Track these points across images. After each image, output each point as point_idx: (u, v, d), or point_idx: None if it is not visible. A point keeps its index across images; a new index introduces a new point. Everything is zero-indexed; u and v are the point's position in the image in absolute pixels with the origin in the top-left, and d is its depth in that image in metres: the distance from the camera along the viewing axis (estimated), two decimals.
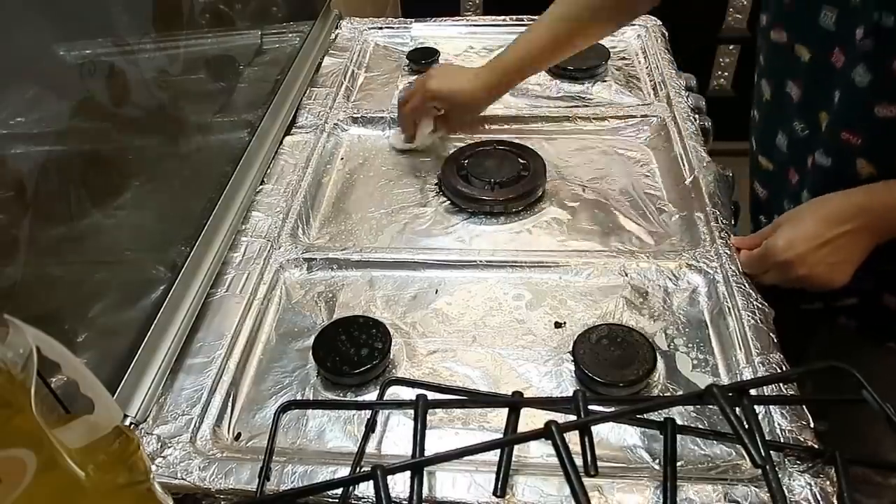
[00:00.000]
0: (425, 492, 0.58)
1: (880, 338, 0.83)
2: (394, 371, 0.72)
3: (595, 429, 0.57)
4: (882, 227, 0.69)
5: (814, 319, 0.85)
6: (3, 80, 0.52)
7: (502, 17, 1.28)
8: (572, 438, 0.63)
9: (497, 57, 0.94)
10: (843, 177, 0.72)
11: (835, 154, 0.73)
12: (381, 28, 1.31)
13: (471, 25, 1.30)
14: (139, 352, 0.68)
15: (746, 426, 0.53)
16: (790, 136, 0.80)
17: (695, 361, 0.71)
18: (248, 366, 0.74)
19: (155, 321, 0.70)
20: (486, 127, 1.05)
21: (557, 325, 0.76)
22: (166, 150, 0.77)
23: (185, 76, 0.79)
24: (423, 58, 1.18)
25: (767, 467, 0.52)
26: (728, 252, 0.80)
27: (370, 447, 0.64)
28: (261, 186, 0.94)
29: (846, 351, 0.80)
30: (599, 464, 0.54)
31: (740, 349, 0.70)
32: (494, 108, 1.07)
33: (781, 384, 0.65)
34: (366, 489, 0.59)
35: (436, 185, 0.96)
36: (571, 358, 0.70)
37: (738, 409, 0.54)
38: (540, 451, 0.64)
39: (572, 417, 0.58)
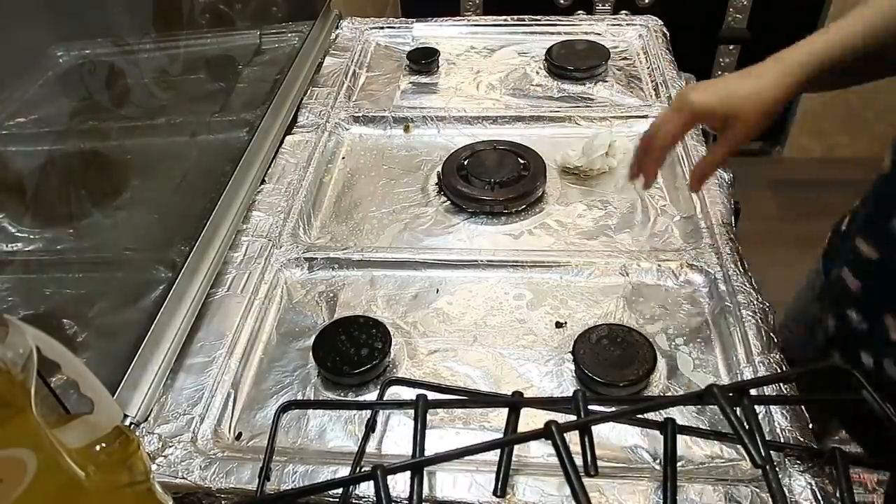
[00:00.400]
0: (425, 492, 0.58)
1: None
2: (394, 371, 0.72)
3: (595, 429, 0.57)
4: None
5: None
6: (3, 80, 0.52)
7: (503, 17, 1.28)
8: (572, 438, 0.63)
9: (781, 55, 0.71)
10: None
11: None
12: (381, 28, 1.31)
13: (471, 25, 1.30)
14: (139, 352, 0.68)
15: (747, 426, 0.53)
16: None
17: (696, 361, 0.71)
18: (248, 365, 0.74)
19: (155, 321, 0.70)
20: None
21: (558, 324, 0.76)
22: (166, 150, 0.77)
23: (185, 76, 0.79)
24: (423, 58, 1.18)
25: (767, 467, 0.52)
26: (728, 252, 0.80)
27: (370, 447, 0.64)
28: (261, 186, 0.94)
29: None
30: (599, 464, 0.54)
31: (741, 349, 0.70)
32: (495, 109, 1.07)
33: (781, 384, 0.65)
34: (366, 489, 0.59)
35: (436, 184, 0.96)
36: (572, 358, 0.70)
37: (738, 410, 0.54)
38: (540, 451, 0.64)
39: (573, 417, 0.58)
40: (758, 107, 0.70)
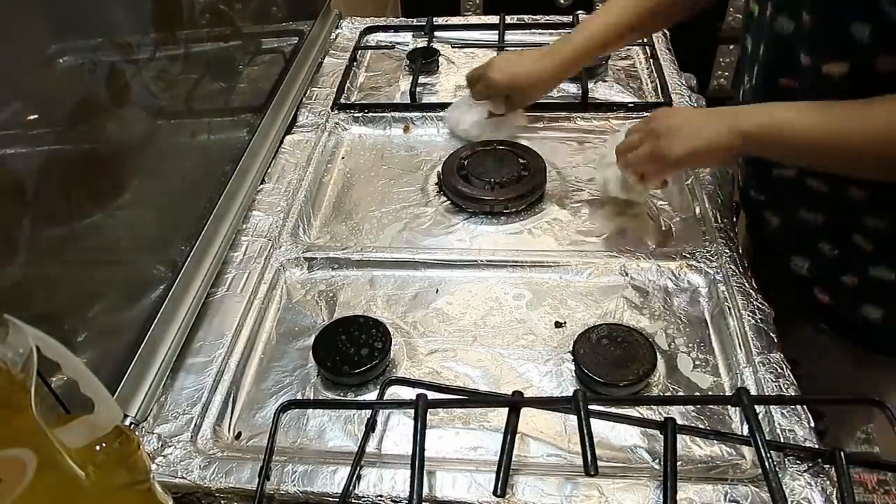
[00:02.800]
0: (425, 491, 0.58)
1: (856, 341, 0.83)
2: (394, 371, 0.72)
3: (595, 429, 0.58)
4: (743, 117, 0.71)
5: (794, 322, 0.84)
6: (4, 79, 0.52)
7: (503, 17, 1.28)
8: (572, 438, 0.63)
9: (563, 38, 0.96)
10: None
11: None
12: (381, 28, 1.31)
13: (471, 25, 1.30)
14: (139, 351, 0.68)
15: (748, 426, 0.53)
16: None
17: (695, 361, 0.71)
18: (248, 365, 0.74)
19: (155, 321, 0.70)
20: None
21: (558, 324, 0.76)
22: (166, 149, 0.77)
23: (185, 76, 0.79)
24: (423, 57, 1.18)
25: (767, 466, 0.52)
26: (728, 252, 0.80)
27: (370, 447, 0.64)
28: (261, 186, 0.94)
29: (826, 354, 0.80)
30: (599, 464, 0.54)
31: (741, 349, 0.70)
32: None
33: (786, 388, 0.65)
34: (366, 489, 0.59)
35: (436, 184, 0.96)
36: (572, 358, 0.70)
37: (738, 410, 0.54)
38: (540, 451, 0.64)
39: (572, 417, 0.58)
40: (532, 84, 0.97)
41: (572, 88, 1.11)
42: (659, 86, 1.09)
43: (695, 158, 0.76)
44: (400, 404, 0.66)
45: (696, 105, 1.03)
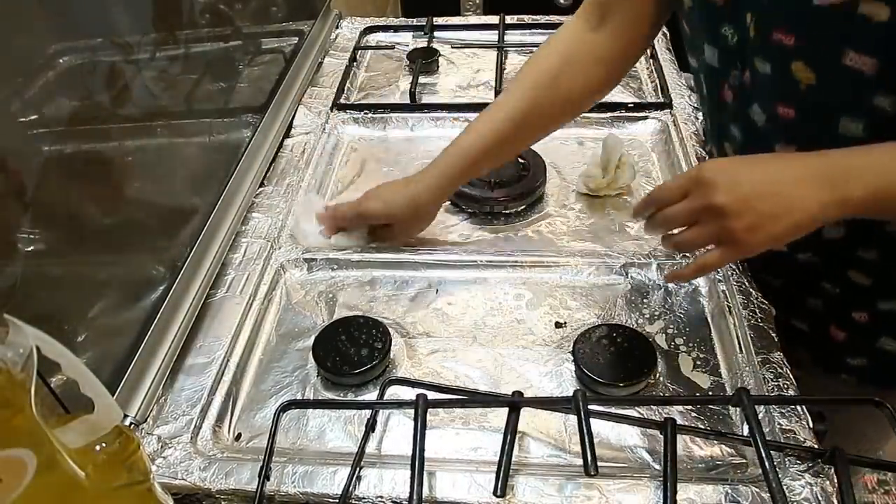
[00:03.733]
0: (425, 492, 0.58)
1: (830, 370, 0.82)
2: (394, 371, 0.72)
3: (595, 429, 0.58)
4: (854, 182, 0.54)
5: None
6: (4, 79, 0.52)
7: (503, 17, 1.28)
8: (572, 438, 0.63)
9: (434, 163, 0.83)
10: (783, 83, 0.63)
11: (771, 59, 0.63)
12: (381, 27, 1.32)
13: (471, 25, 1.30)
14: (139, 352, 0.68)
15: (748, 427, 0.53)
16: (720, 45, 0.69)
17: (695, 361, 0.71)
18: (248, 366, 0.74)
19: (155, 321, 0.70)
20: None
21: (558, 324, 0.76)
22: (166, 150, 0.77)
23: (185, 76, 0.79)
24: (423, 57, 1.18)
25: (767, 466, 0.52)
26: None
27: (370, 447, 0.64)
28: (261, 188, 0.94)
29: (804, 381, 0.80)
30: (599, 464, 0.54)
31: (741, 349, 0.70)
32: None
33: (786, 388, 0.65)
34: (366, 489, 0.59)
35: None
36: (572, 358, 0.70)
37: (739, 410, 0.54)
38: (540, 452, 0.64)
39: (572, 417, 0.58)
40: (411, 218, 0.84)
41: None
42: (659, 86, 1.09)
43: (782, 243, 0.59)
44: (400, 404, 0.66)
45: (693, 105, 1.03)
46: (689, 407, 0.66)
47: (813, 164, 0.56)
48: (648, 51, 1.17)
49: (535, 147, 0.97)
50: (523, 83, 0.80)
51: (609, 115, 1.05)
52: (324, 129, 1.05)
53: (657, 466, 0.62)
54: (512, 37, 1.26)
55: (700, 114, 1.02)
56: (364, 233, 0.87)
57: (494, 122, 0.80)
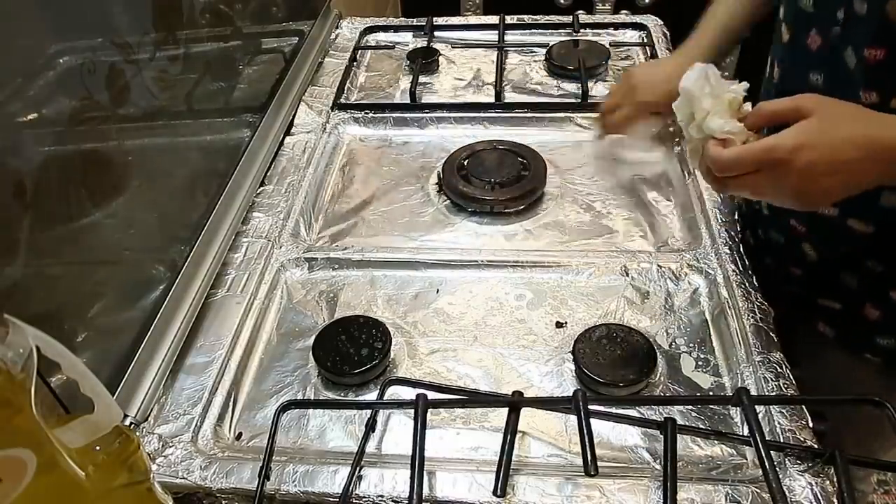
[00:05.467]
0: (425, 491, 0.58)
1: (855, 347, 0.82)
2: (394, 371, 0.72)
3: (595, 429, 0.58)
4: (889, 169, 0.59)
5: (793, 322, 0.82)
6: (3, 79, 0.52)
7: (503, 17, 1.28)
8: (573, 438, 0.63)
9: (692, 37, 0.90)
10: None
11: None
12: (381, 28, 1.31)
13: (471, 25, 1.30)
14: (139, 352, 0.68)
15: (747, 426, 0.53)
16: None
17: (696, 361, 0.71)
18: (248, 365, 0.74)
19: (155, 321, 0.70)
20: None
21: (558, 324, 0.76)
22: (166, 150, 0.77)
23: (185, 76, 0.79)
24: (423, 57, 1.18)
25: (767, 466, 0.52)
26: (728, 252, 0.80)
27: (370, 447, 0.64)
28: (261, 188, 0.94)
29: (823, 357, 0.80)
30: (599, 464, 0.54)
31: (741, 349, 0.70)
32: (495, 109, 1.07)
33: (786, 388, 0.65)
34: (367, 489, 0.59)
35: (436, 184, 0.96)
36: (572, 358, 0.70)
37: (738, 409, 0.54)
38: (540, 452, 0.64)
39: (573, 417, 0.58)
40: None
41: (572, 88, 1.11)
42: None
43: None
44: (400, 404, 0.66)
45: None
46: (690, 407, 0.66)
47: (879, 142, 0.58)
48: (648, 50, 1.18)
49: (535, 147, 0.98)
50: None
51: None
52: (324, 128, 1.05)
53: (657, 466, 0.62)
54: (512, 37, 1.26)
55: None
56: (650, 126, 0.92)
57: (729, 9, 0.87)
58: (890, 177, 0.60)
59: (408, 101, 1.10)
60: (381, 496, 0.59)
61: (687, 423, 0.64)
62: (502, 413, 0.62)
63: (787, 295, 0.82)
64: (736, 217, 0.85)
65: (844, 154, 0.58)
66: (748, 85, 0.64)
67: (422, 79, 1.14)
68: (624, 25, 1.26)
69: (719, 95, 0.63)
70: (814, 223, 0.79)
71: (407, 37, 1.30)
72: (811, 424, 0.62)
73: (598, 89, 1.11)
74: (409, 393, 0.65)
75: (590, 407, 0.58)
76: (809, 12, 0.72)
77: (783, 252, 0.84)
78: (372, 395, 0.69)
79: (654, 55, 1.15)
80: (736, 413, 0.66)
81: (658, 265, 0.80)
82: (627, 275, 0.80)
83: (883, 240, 0.74)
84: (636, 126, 0.93)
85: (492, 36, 1.25)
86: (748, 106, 0.64)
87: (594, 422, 0.58)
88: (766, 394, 0.65)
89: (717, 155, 0.62)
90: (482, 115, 1.06)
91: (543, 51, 1.20)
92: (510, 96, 1.11)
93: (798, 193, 0.60)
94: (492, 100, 1.09)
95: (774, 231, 0.85)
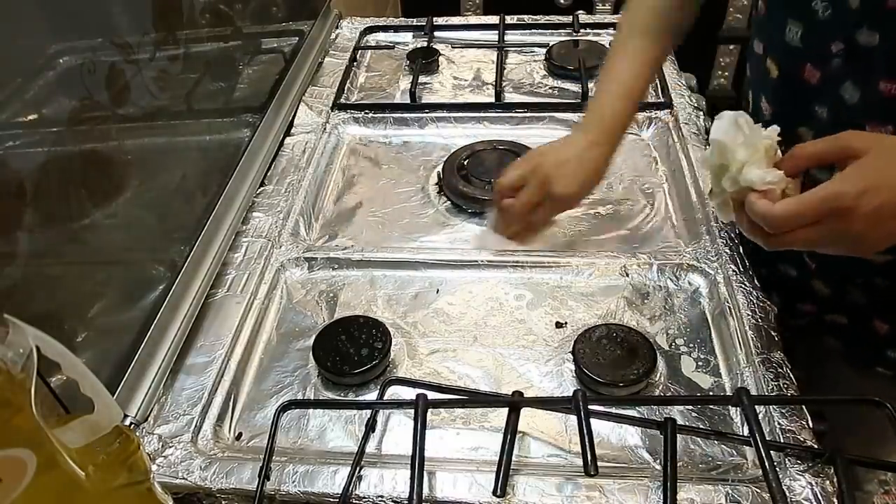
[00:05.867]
0: (425, 491, 0.58)
1: (865, 362, 0.81)
2: (394, 371, 0.72)
3: (595, 429, 0.57)
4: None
5: (799, 335, 0.80)
6: (3, 80, 0.52)
7: (503, 17, 1.28)
8: (573, 438, 0.63)
9: (590, 107, 0.76)
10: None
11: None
12: (381, 28, 1.31)
13: (471, 25, 1.30)
14: (139, 352, 0.68)
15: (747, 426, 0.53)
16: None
17: (696, 361, 0.71)
18: (248, 365, 0.74)
19: (155, 321, 0.70)
20: None
21: (558, 325, 0.76)
22: (166, 150, 0.77)
23: (185, 76, 0.79)
24: (423, 57, 1.18)
25: (767, 466, 0.52)
26: (729, 252, 0.80)
27: (370, 447, 0.64)
28: (261, 188, 0.94)
29: (829, 371, 0.79)
30: (599, 464, 0.54)
31: (741, 349, 0.70)
32: (495, 109, 1.07)
33: (786, 388, 0.65)
34: (367, 489, 0.59)
35: (437, 184, 0.96)
36: (572, 358, 0.70)
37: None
38: (540, 452, 0.64)
39: (573, 417, 0.58)
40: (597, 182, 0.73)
41: (572, 88, 1.11)
42: (659, 86, 1.09)
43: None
44: (400, 404, 0.66)
45: (693, 105, 1.03)
46: (690, 407, 0.66)
47: None
48: None
49: (535, 147, 0.97)
50: (641, 26, 0.77)
51: None
52: (324, 128, 1.05)
53: (657, 466, 0.62)
54: (512, 37, 1.26)
55: (700, 114, 1.02)
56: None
57: (631, 69, 0.74)
58: None
59: (408, 101, 1.10)
60: (381, 496, 0.59)
61: (687, 423, 0.64)
62: (502, 413, 0.62)
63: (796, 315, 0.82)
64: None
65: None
66: (779, 128, 0.59)
67: (422, 79, 1.14)
68: None
69: (754, 144, 0.58)
70: (827, 259, 0.73)
71: (407, 37, 1.30)
72: (811, 424, 0.62)
73: None
74: (409, 393, 0.65)
75: (590, 407, 0.58)
76: (797, 47, 0.69)
77: (794, 286, 0.81)
78: (372, 395, 0.69)
79: None
80: (736, 413, 0.66)
81: (658, 265, 0.80)
82: (627, 275, 0.80)
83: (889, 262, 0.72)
84: (541, 230, 0.77)
85: (492, 36, 1.25)
86: (765, 137, 0.59)
87: (594, 422, 0.58)
88: (766, 394, 0.65)
89: (768, 211, 0.55)
90: (482, 115, 1.06)
91: (543, 51, 1.20)
92: (510, 96, 1.11)
93: (862, 240, 0.54)
94: (492, 100, 1.09)
95: (786, 266, 0.81)
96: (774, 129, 0.59)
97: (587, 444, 0.54)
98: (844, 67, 0.65)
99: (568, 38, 1.23)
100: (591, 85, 1.10)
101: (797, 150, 0.57)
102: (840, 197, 0.52)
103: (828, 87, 0.67)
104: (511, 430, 0.60)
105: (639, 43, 0.76)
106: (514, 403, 0.61)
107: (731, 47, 2.04)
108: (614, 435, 0.65)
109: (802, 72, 0.69)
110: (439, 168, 0.97)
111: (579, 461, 0.54)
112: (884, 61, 0.62)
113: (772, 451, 0.56)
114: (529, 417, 0.65)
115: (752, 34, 0.78)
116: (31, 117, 0.55)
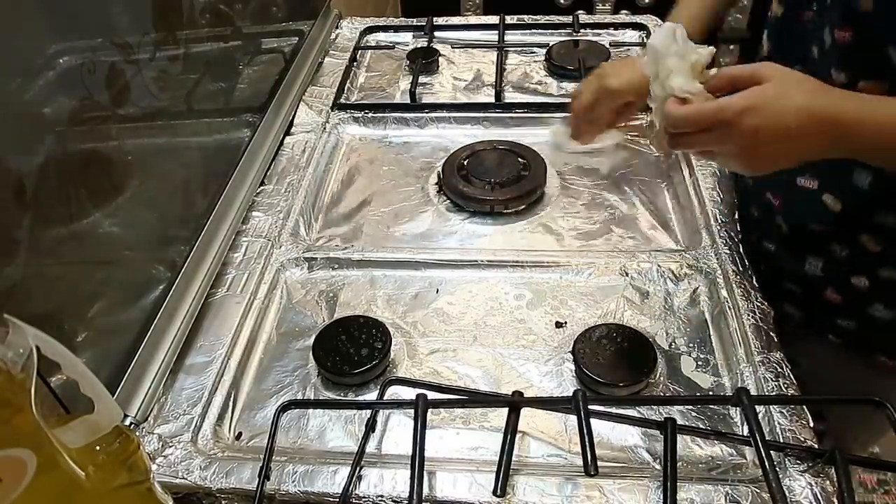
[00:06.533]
0: (425, 491, 0.58)
1: (819, 329, 0.85)
2: (394, 371, 0.72)
3: (595, 428, 0.58)
4: (839, 144, 0.61)
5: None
6: (4, 80, 0.52)
7: (503, 17, 1.28)
8: (573, 438, 0.63)
9: (671, 17, 0.89)
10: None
11: None
12: (381, 28, 1.31)
13: (471, 25, 1.30)
14: (139, 352, 0.68)
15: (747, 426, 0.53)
16: None
17: (696, 361, 0.71)
18: (248, 365, 0.74)
19: (155, 321, 0.70)
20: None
21: (558, 324, 0.76)
22: (166, 150, 0.77)
23: (185, 76, 0.79)
24: (423, 57, 1.18)
25: (767, 466, 0.52)
26: (728, 252, 0.80)
27: (370, 447, 0.64)
28: (261, 187, 0.94)
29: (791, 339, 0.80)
30: (599, 464, 0.54)
31: (741, 349, 0.70)
32: (495, 109, 1.07)
33: (786, 388, 0.65)
34: (366, 489, 0.59)
35: (436, 184, 0.96)
36: (572, 358, 0.70)
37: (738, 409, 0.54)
38: (540, 452, 0.64)
39: (572, 417, 0.58)
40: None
41: (572, 88, 1.11)
42: None
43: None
44: (400, 404, 0.66)
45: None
46: (689, 407, 0.66)
47: (823, 115, 0.60)
48: None
49: (534, 147, 0.98)
50: None
51: None
52: (324, 128, 1.05)
53: (657, 466, 0.62)
54: (512, 37, 1.26)
55: None
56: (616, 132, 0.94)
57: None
58: (837, 151, 0.62)
59: (408, 101, 1.10)
60: (381, 496, 0.59)
61: (687, 423, 0.65)
62: (502, 413, 0.62)
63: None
64: (736, 217, 0.85)
65: (794, 122, 0.60)
66: (714, 50, 0.65)
67: (422, 79, 1.14)
68: (624, 25, 1.26)
69: (684, 56, 0.65)
70: (790, 194, 0.80)
71: (407, 37, 1.30)
72: (811, 424, 0.62)
73: None
74: (409, 393, 0.65)
75: (590, 407, 0.58)
76: None
77: (760, 226, 0.85)
78: (372, 395, 0.69)
79: None
80: (736, 413, 0.66)
81: (658, 265, 0.80)
82: (627, 275, 0.80)
83: (849, 222, 0.75)
84: (603, 126, 0.94)
85: (492, 36, 1.25)
86: (713, 72, 0.65)
87: (594, 422, 0.58)
88: (766, 394, 0.65)
89: (670, 111, 0.64)
90: (482, 115, 1.06)
91: (543, 51, 1.20)
92: (510, 96, 1.11)
93: (742, 156, 0.63)
94: (492, 100, 1.09)
95: (753, 206, 0.87)
96: (708, 49, 0.65)
97: (587, 444, 0.54)
98: (818, 15, 0.70)
99: (568, 38, 1.23)
100: None
101: (721, 71, 0.64)
102: (724, 109, 0.60)
103: (815, 29, 0.71)
104: (511, 430, 0.60)
105: None
106: (514, 403, 0.61)
107: (732, 47, 2.04)
108: (614, 435, 0.65)
109: (802, 12, 0.73)
110: (439, 168, 0.97)
111: (579, 461, 0.54)
112: (838, 10, 0.67)
113: (772, 451, 0.56)
114: (529, 417, 0.65)
115: None
116: (31, 117, 0.55)
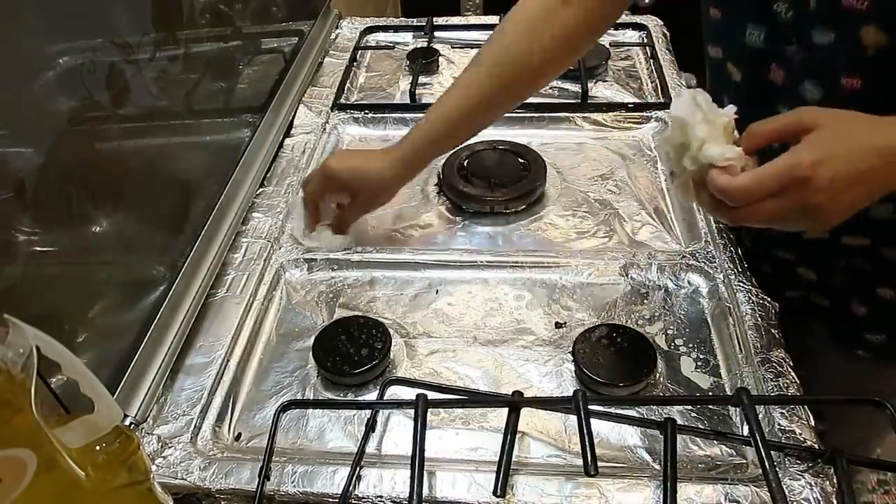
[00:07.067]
0: (425, 492, 0.58)
1: (847, 345, 0.83)
2: (394, 371, 0.72)
3: (595, 428, 0.58)
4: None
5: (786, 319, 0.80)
6: (3, 80, 0.52)
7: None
8: (572, 438, 0.63)
9: (411, 129, 0.82)
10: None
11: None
12: (381, 28, 1.32)
13: (471, 25, 1.30)
14: (139, 352, 0.68)
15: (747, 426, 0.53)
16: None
17: (696, 361, 0.71)
18: (248, 366, 0.74)
19: (155, 321, 0.70)
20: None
21: (558, 325, 0.76)
22: (166, 150, 0.77)
23: (185, 76, 0.79)
24: (423, 57, 1.18)
25: (767, 466, 0.52)
26: (728, 252, 0.80)
27: (370, 447, 0.64)
28: (261, 188, 0.94)
29: (815, 355, 0.80)
30: (599, 464, 0.54)
31: (741, 349, 0.70)
32: None
33: (786, 388, 0.65)
34: (366, 489, 0.59)
35: (436, 185, 0.96)
36: (572, 358, 0.70)
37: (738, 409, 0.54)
38: (540, 452, 0.64)
39: (572, 417, 0.58)
40: (374, 181, 0.82)
41: (572, 88, 1.11)
42: (659, 86, 1.09)
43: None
44: (400, 404, 0.66)
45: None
46: (689, 407, 0.66)
47: (888, 161, 0.55)
48: (648, 50, 1.18)
49: (534, 147, 0.98)
50: (489, 59, 0.78)
51: (609, 115, 1.05)
52: (324, 128, 1.05)
53: (657, 466, 0.62)
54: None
55: None
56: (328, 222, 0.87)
57: (460, 99, 0.79)
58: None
59: (408, 101, 1.10)
60: (381, 496, 0.59)
61: (687, 423, 0.65)
62: (502, 413, 0.62)
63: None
64: None
65: (865, 163, 0.54)
66: (736, 108, 0.60)
67: (422, 79, 1.14)
68: (624, 25, 1.26)
69: (713, 121, 0.59)
70: (804, 250, 0.78)
71: (407, 37, 1.30)
72: (811, 424, 0.62)
73: (598, 89, 1.11)
74: (408, 393, 0.65)
75: (590, 407, 0.58)
76: (761, 49, 0.70)
77: (776, 281, 0.82)
78: (372, 396, 0.69)
79: (654, 55, 1.15)
80: (736, 413, 0.66)
81: (658, 265, 0.80)
82: (627, 275, 0.80)
83: (878, 248, 0.74)
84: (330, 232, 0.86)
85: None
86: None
87: (594, 422, 0.58)
88: (766, 394, 0.65)
89: (728, 184, 0.56)
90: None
91: None
92: None
93: (820, 212, 0.55)
94: None
95: (764, 264, 0.83)
96: (731, 108, 0.60)
97: (587, 444, 0.54)
98: (805, 66, 0.66)
99: None
100: (591, 85, 1.10)
101: (754, 127, 0.58)
102: (796, 167, 0.54)
103: (791, 87, 0.68)
104: (511, 430, 0.60)
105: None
106: (514, 403, 0.61)
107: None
108: (614, 435, 0.65)
109: (768, 72, 0.70)
110: (439, 168, 0.97)
111: (579, 461, 0.54)
112: (844, 58, 0.63)
113: (772, 451, 0.56)
114: (529, 417, 0.65)
115: (706, 41, 0.79)
116: (31, 117, 0.55)
